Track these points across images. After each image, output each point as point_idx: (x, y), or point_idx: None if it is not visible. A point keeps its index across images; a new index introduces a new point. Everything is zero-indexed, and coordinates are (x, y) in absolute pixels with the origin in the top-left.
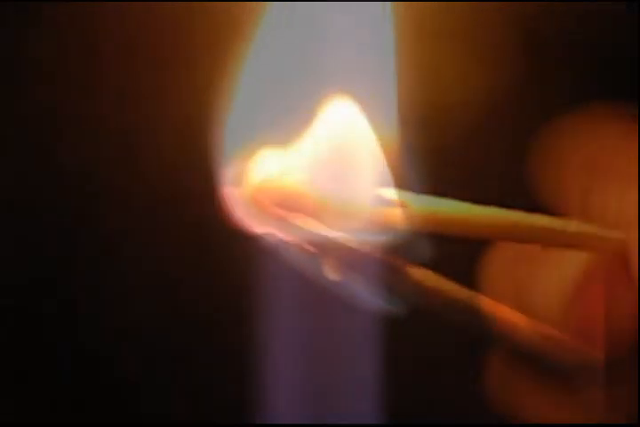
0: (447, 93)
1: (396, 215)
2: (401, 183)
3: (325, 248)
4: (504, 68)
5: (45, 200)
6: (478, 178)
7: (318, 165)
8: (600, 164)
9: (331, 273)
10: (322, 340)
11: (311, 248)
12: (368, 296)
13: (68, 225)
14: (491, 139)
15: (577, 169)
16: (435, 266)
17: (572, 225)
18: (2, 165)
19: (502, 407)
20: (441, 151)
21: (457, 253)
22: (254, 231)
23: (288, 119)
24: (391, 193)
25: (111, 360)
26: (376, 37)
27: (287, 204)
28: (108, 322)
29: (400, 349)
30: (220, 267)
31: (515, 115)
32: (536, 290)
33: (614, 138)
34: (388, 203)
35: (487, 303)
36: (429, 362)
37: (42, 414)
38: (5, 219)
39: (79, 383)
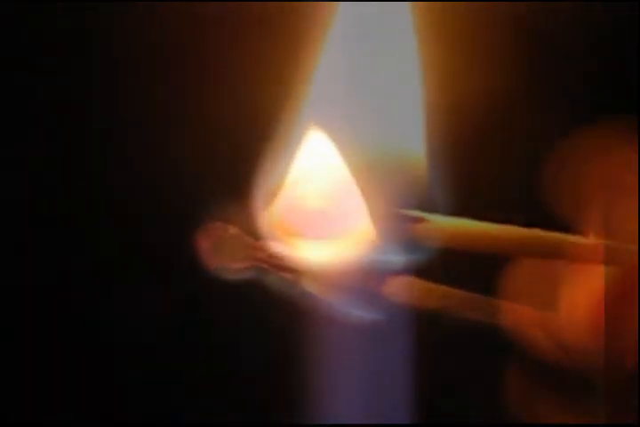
0: (462, 104)
1: (417, 231)
2: (422, 202)
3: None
4: (506, 76)
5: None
6: (491, 193)
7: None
8: (620, 178)
9: (316, 292)
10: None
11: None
12: (355, 311)
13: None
14: (503, 152)
15: (596, 184)
16: (455, 282)
17: (590, 240)
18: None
19: (520, 416)
20: (460, 164)
21: (478, 269)
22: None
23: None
24: (411, 210)
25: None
26: (397, 42)
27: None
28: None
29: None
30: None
31: (528, 127)
32: (558, 306)
33: (634, 151)
34: (409, 219)
35: (501, 307)
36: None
37: (44, 414)
38: (9, 221)
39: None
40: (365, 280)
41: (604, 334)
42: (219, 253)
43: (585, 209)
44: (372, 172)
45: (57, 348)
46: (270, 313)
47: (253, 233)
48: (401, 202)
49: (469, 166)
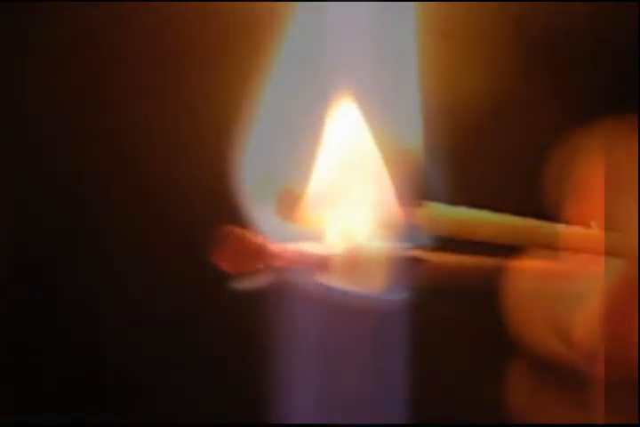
0: (460, 99)
1: (418, 217)
2: (422, 190)
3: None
4: (507, 73)
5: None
6: (491, 183)
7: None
8: (625, 176)
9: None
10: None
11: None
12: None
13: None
14: (502, 142)
15: (601, 182)
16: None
17: (590, 230)
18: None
19: (520, 414)
20: (458, 156)
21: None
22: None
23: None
24: (411, 198)
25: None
26: (396, 39)
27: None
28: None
29: (422, 352)
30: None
31: (527, 117)
32: (564, 304)
33: (634, 147)
34: (409, 205)
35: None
36: (450, 366)
37: (43, 413)
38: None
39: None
40: (385, 263)
41: (605, 330)
42: (236, 259)
43: (584, 200)
44: (377, 162)
45: (58, 347)
46: (273, 315)
47: (271, 236)
48: (401, 190)
49: (467, 156)
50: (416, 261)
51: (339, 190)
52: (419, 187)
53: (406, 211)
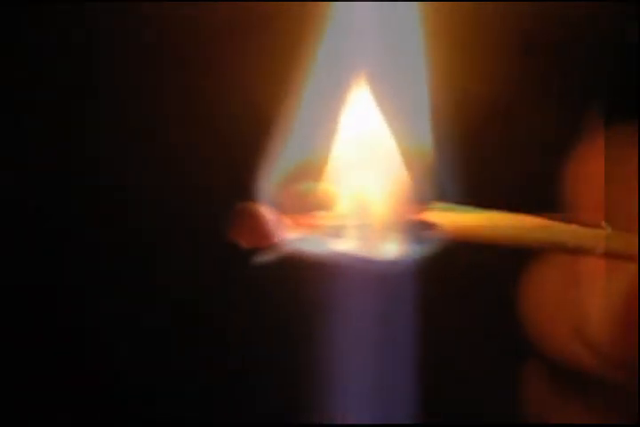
0: (468, 100)
1: (426, 218)
2: (431, 191)
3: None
4: (509, 70)
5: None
6: (500, 183)
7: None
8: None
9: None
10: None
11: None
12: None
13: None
14: (511, 142)
15: (618, 184)
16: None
17: (607, 234)
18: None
19: (535, 416)
20: (470, 159)
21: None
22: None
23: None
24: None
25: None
26: (404, 40)
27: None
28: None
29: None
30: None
31: (536, 117)
32: (582, 306)
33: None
34: (418, 206)
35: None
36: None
37: (43, 414)
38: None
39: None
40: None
41: (626, 333)
42: (252, 235)
43: (608, 209)
44: (385, 162)
45: (60, 345)
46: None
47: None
48: (410, 192)
49: (477, 156)
50: (428, 226)
51: (354, 161)
52: (428, 187)
53: (416, 211)
